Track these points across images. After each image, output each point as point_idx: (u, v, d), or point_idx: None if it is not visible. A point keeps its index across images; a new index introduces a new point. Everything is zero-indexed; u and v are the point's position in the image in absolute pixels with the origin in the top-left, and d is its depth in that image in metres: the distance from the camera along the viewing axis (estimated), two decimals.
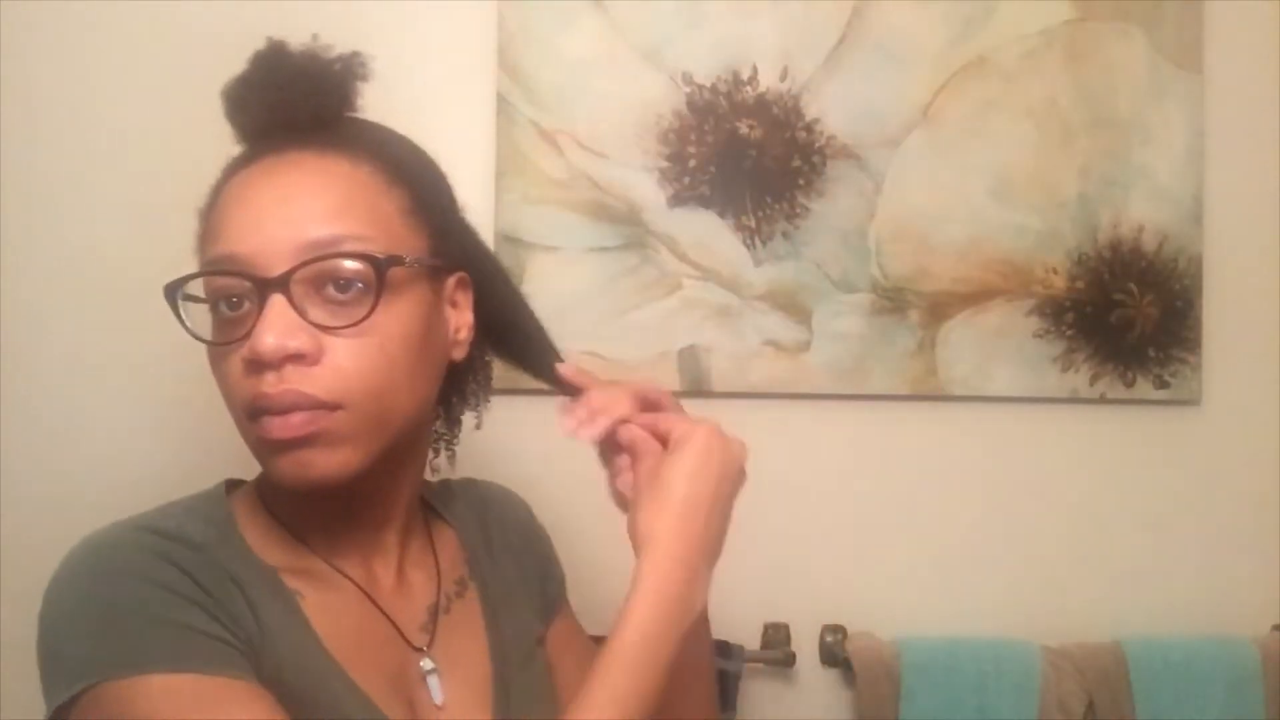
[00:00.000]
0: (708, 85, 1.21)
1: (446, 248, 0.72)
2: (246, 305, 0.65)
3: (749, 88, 1.22)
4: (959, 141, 1.24)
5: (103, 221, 1.16)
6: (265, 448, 0.65)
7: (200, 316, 0.68)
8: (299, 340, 0.63)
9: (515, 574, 0.84)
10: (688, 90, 1.21)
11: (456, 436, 0.85)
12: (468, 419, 0.86)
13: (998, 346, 1.25)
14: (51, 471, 1.15)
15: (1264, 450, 1.28)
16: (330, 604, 0.70)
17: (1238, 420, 1.28)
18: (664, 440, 0.73)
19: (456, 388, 0.83)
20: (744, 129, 1.22)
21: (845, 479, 1.24)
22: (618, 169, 1.20)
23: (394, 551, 0.75)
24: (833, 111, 1.23)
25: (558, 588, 0.90)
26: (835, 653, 1.20)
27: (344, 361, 0.64)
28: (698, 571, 0.69)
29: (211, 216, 0.68)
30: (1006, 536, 1.26)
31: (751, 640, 1.19)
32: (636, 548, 0.69)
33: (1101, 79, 1.25)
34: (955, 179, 1.24)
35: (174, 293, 0.68)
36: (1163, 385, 1.27)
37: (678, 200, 1.21)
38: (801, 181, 1.23)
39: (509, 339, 0.82)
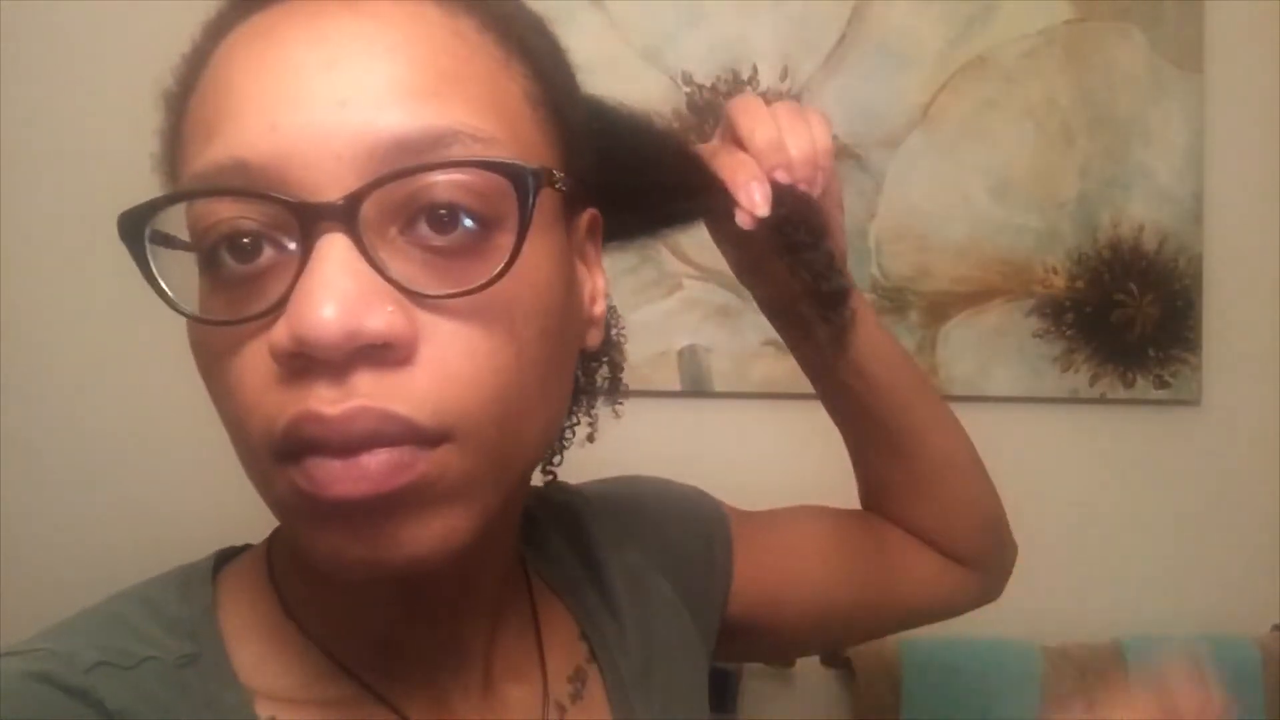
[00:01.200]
0: (708, 85, 1.21)
1: (582, 163, 0.45)
2: (268, 253, 0.37)
3: (749, 88, 1.22)
4: (959, 141, 1.24)
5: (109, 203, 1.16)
6: (310, 512, 0.37)
7: (179, 274, 0.40)
8: (383, 316, 0.35)
9: (658, 617, 0.58)
10: (688, 90, 1.21)
11: (559, 453, 0.58)
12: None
13: (998, 346, 1.25)
14: (53, 475, 1.15)
15: (1264, 450, 1.28)
16: None
17: (1238, 420, 1.28)
18: None
19: (575, 385, 0.55)
20: None
21: (845, 479, 1.24)
22: None
23: (479, 655, 0.48)
24: (833, 111, 1.22)
25: (715, 545, 0.64)
26: (835, 653, 1.20)
27: (454, 357, 0.37)
28: None
29: (198, 99, 0.39)
30: None
31: None
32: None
33: (1101, 79, 1.25)
34: (955, 179, 1.24)
35: (140, 228, 0.38)
36: (1163, 385, 1.27)
37: None
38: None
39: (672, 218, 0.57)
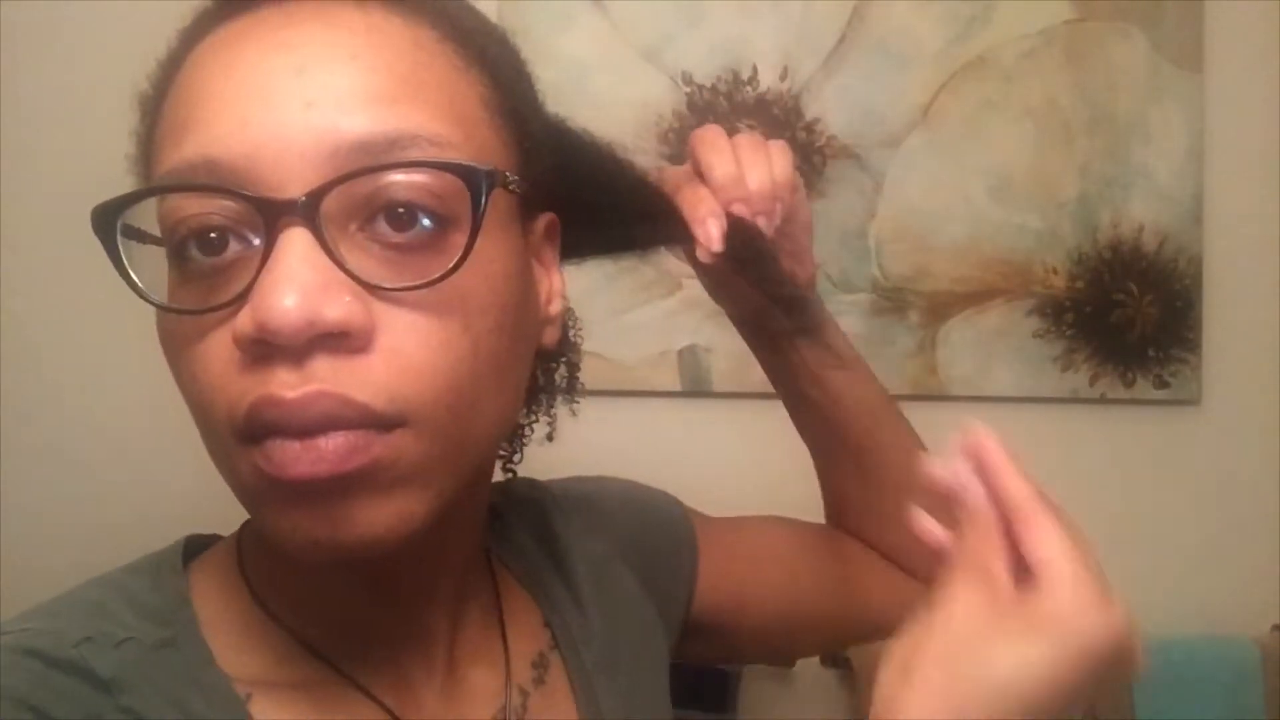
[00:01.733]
0: (708, 85, 1.21)
1: (539, 168, 0.47)
2: (234, 247, 0.39)
3: (749, 88, 1.22)
4: (959, 141, 1.24)
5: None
6: (270, 493, 0.39)
7: (150, 266, 0.41)
8: (341, 306, 0.37)
9: (621, 606, 0.60)
10: (688, 90, 1.21)
11: (519, 450, 0.60)
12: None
13: (998, 346, 1.25)
14: (55, 473, 1.15)
15: (1264, 450, 1.28)
16: None
17: (1238, 420, 1.28)
18: (1017, 553, 0.46)
19: (533, 383, 0.57)
20: (744, 129, 1.22)
21: None
22: None
23: (442, 640, 0.49)
24: (833, 111, 1.23)
25: (680, 543, 0.65)
26: (835, 653, 1.20)
27: (410, 346, 0.38)
28: None
29: (171, 102, 0.41)
30: None
31: None
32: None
33: (1101, 79, 1.25)
34: (955, 179, 1.24)
35: (112, 222, 0.40)
36: (1163, 385, 1.27)
37: None
38: (801, 181, 1.22)
39: (628, 239, 0.58)
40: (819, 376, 0.67)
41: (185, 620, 0.44)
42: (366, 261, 0.39)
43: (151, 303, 0.40)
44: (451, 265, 0.39)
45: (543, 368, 0.58)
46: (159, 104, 0.42)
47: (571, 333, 0.60)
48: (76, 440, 1.15)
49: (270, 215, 0.37)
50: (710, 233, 0.54)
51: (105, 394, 1.15)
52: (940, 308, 1.24)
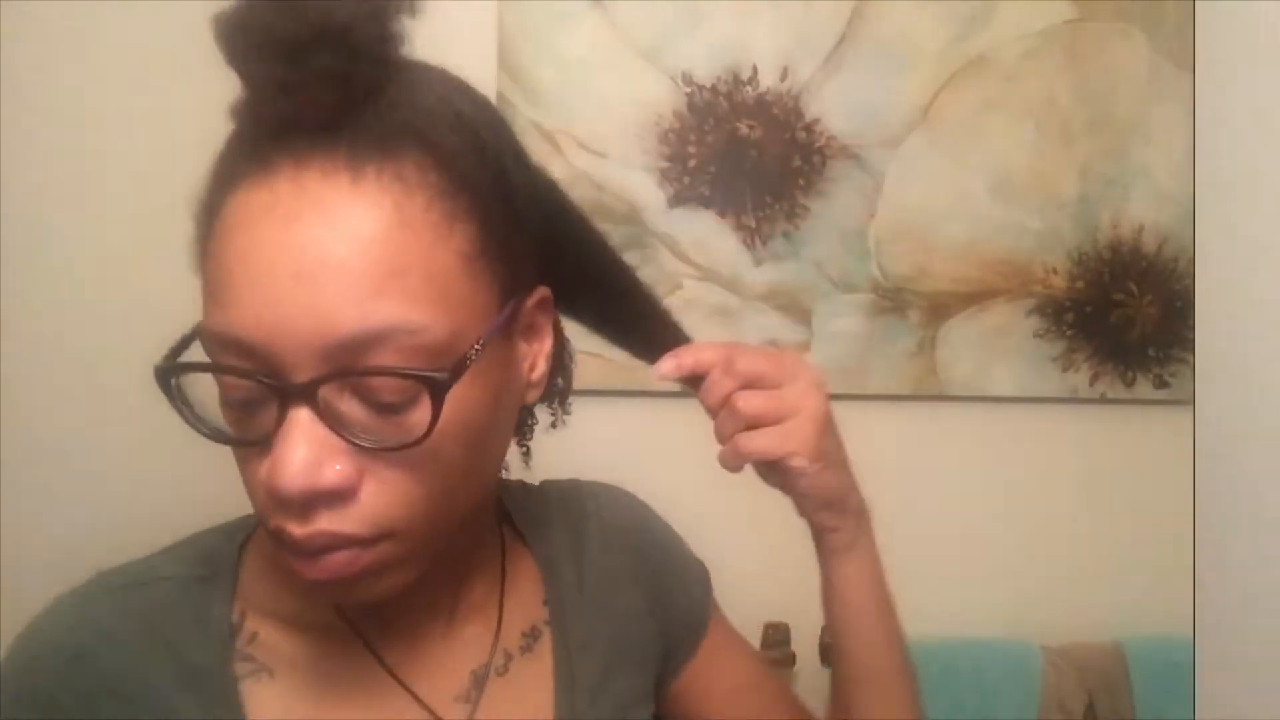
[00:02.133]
0: (708, 85, 1.21)
1: (524, 269, 0.55)
2: (260, 396, 0.50)
3: (749, 88, 1.22)
4: (959, 141, 1.24)
5: (108, 217, 1.16)
6: (294, 572, 0.52)
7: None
8: (333, 474, 0.48)
9: (621, 611, 0.68)
10: (688, 90, 1.21)
11: (527, 438, 0.68)
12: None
13: (998, 346, 1.25)
14: (55, 475, 1.15)
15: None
16: (310, 676, 0.57)
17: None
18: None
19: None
20: (744, 129, 1.22)
21: None
22: (618, 169, 1.20)
23: (445, 603, 0.61)
24: (833, 111, 1.23)
25: (695, 613, 0.73)
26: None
27: (391, 491, 0.50)
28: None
29: (211, 257, 0.50)
30: (1006, 536, 1.26)
31: (751, 640, 1.18)
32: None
33: (1101, 79, 1.26)
34: (955, 179, 1.24)
35: (168, 378, 0.51)
36: (1162, 385, 1.27)
37: (678, 200, 1.21)
38: (801, 181, 1.23)
39: (608, 324, 0.68)
40: (828, 605, 0.72)
41: (229, 562, 0.58)
42: (358, 416, 0.49)
43: (204, 435, 0.51)
44: (417, 436, 0.48)
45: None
46: (207, 243, 0.50)
47: (565, 355, 0.68)
48: (76, 442, 1.15)
49: (283, 397, 0.48)
50: (663, 364, 0.65)
51: (106, 396, 1.15)
52: (940, 308, 1.24)
